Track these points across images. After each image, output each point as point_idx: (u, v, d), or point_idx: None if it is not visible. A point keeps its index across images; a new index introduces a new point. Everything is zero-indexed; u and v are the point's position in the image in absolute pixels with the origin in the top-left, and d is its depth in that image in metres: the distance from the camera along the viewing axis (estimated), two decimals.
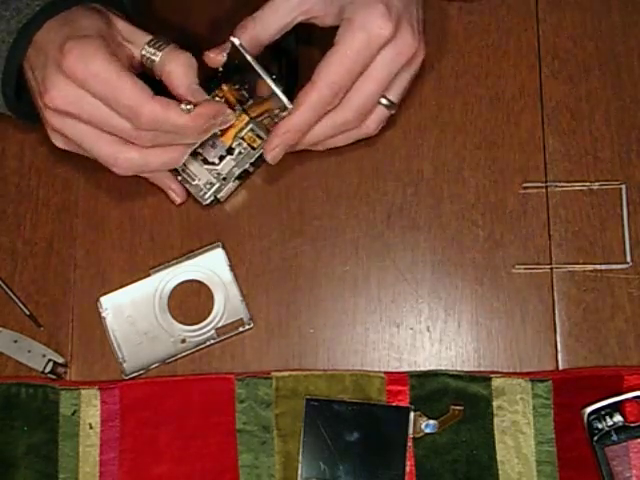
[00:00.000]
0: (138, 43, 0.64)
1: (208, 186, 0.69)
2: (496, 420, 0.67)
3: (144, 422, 0.68)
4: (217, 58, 0.67)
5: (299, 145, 0.67)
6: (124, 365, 0.69)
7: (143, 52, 0.64)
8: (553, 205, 0.71)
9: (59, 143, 0.65)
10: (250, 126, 0.69)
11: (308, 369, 0.69)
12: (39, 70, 0.62)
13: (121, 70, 0.61)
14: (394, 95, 0.67)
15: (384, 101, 0.66)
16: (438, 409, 0.67)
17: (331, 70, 0.63)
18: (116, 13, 0.65)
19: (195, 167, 0.69)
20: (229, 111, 0.65)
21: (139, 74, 0.63)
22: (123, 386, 0.69)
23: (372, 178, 0.72)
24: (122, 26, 0.64)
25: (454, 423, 0.67)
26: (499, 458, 0.67)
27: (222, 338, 0.70)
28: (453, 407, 0.67)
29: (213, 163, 0.69)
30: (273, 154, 0.67)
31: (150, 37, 0.64)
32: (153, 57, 0.63)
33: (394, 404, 0.68)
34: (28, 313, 0.70)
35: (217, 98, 0.68)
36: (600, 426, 0.66)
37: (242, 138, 0.69)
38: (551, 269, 0.70)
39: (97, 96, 0.61)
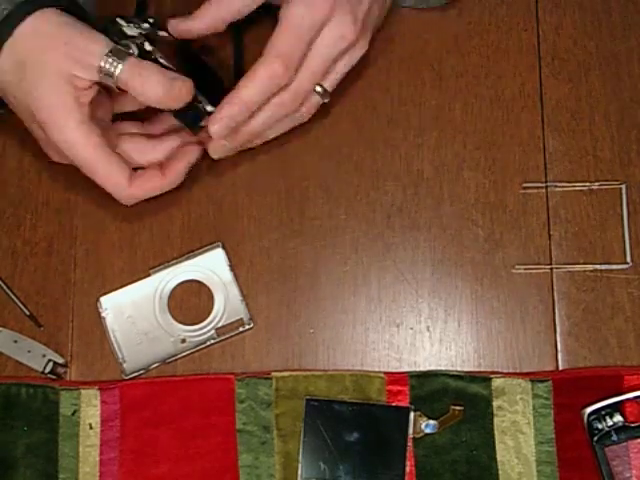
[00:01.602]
0: (96, 54, 0.63)
1: None
2: (496, 420, 0.67)
3: (144, 422, 0.68)
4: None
5: (240, 139, 0.67)
6: (124, 365, 0.69)
7: (102, 63, 0.63)
8: (553, 205, 0.71)
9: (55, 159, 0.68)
10: None
11: (308, 369, 0.69)
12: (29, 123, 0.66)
13: (99, 150, 0.64)
14: (329, 83, 0.67)
15: (318, 89, 0.67)
16: (438, 409, 0.67)
17: (278, 42, 0.64)
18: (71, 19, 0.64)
19: None
20: (196, 153, 0.68)
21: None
22: (123, 386, 0.69)
23: (372, 178, 0.72)
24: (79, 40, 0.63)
25: (454, 423, 0.67)
26: (499, 458, 0.67)
27: (222, 338, 0.70)
28: (453, 407, 0.67)
29: None
30: (217, 127, 0.65)
31: (109, 47, 0.63)
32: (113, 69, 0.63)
33: (394, 404, 0.68)
34: (28, 313, 0.70)
35: None
36: (600, 426, 0.66)
37: None
38: (551, 269, 0.70)
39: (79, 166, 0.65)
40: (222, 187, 0.72)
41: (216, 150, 0.68)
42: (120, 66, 0.62)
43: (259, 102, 0.65)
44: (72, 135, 0.63)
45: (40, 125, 0.64)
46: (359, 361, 0.69)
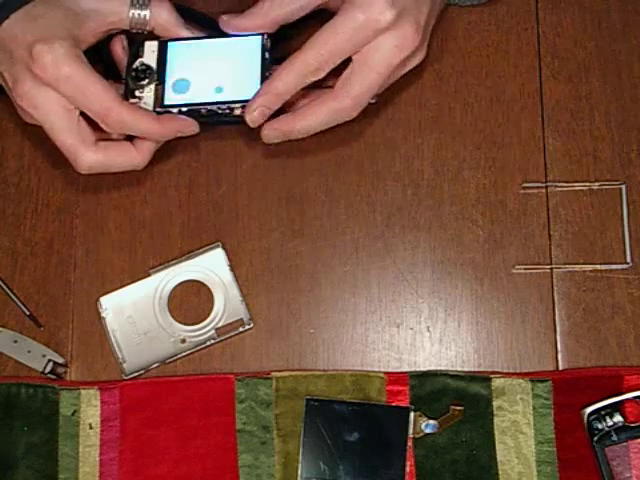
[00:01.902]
0: (119, 10, 0.67)
1: None
2: (496, 420, 0.67)
3: (144, 422, 0.68)
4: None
5: (295, 133, 0.67)
6: (124, 365, 0.69)
7: (131, 12, 0.66)
8: (553, 205, 0.71)
9: (28, 120, 0.67)
10: None
11: (308, 369, 0.69)
12: (5, 66, 0.64)
13: (90, 74, 0.64)
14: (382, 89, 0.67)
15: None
16: (438, 409, 0.67)
17: (322, 41, 0.64)
18: None
19: None
20: (195, 127, 0.67)
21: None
22: (123, 386, 0.69)
23: (372, 178, 0.72)
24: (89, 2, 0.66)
25: (454, 423, 0.67)
26: (499, 458, 0.67)
27: (222, 338, 0.70)
28: (453, 407, 0.67)
29: None
30: (252, 116, 0.66)
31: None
32: (142, 13, 0.67)
33: (394, 404, 0.68)
34: (28, 313, 0.70)
35: None
36: (600, 426, 0.66)
37: None
38: (551, 269, 0.70)
39: (66, 97, 0.64)
40: (222, 187, 0.72)
41: (267, 136, 0.68)
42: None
43: (290, 92, 0.65)
44: (69, 67, 0.63)
45: (34, 59, 0.63)
46: (359, 361, 0.69)
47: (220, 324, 0.70)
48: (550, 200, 0.71)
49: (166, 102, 0.67)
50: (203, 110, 0.67)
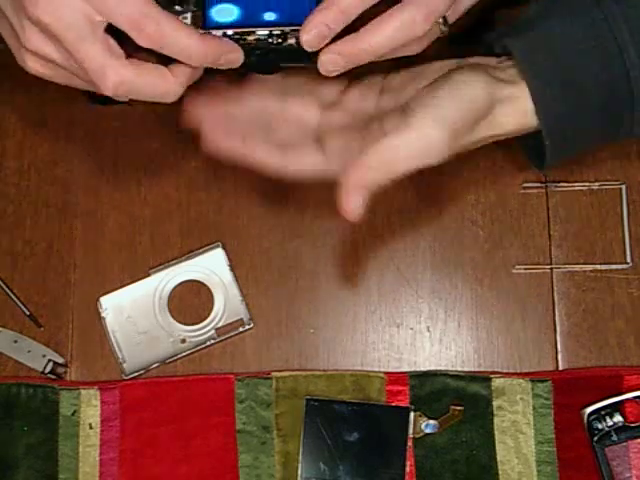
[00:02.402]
0: None
1: None
2: (496, 420, 0.67)
3: (144, 422, 0.68)
4: None
5: (361, 56, 0.57)
6: (124, 365, 0.69)
7: None
8: (553, 205, 0.71)
9: (35, 66, 0.58)
10: None
11: (308, 369, 0.69)
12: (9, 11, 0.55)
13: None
14: (452, 14, 0.59)
15: (441, 19, 0.58)
16: (438, 409, 0.67)
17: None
18: None
19: None
20: (240, 54, 0.57)
21: None
22: (123, 386, 0.69)
23: None
24: None
25: (454, 423, 0.67)
26: (499, 458, 0.67)
27: (222, 338, 0.70)
28: (453, 407, 0.67)
29: None
30: (309, 37, 0.55)
31: None
32: None
33: (394, 404, 0.68)
34: (28, 313, 0.70)
35: None
36: (600, 426, 0.66)
37: None
38: (551, 269, 0.70)
39: (94, 2, 0.53)
40: (222, 187, 0.72)
41: (326, 63, 0.57)
42: None
43: (359, 10, 0.55)
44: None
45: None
46: (359, 361, 0.69)
47: (220, 324, 0.70)
48: (550, 200, 0.71)
49: (207, 24, 0.57)
50: (251, 39, 0.57)
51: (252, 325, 0.70)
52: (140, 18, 0.53)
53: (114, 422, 0.68)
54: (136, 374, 0.69)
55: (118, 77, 0.55)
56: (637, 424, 0.66)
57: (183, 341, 0.70)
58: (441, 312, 0.70)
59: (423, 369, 0.69)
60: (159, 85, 0.56)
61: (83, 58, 0.55)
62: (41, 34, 0.55)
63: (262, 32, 0.57)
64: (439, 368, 0.69)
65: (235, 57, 0.57)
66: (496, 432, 0.67)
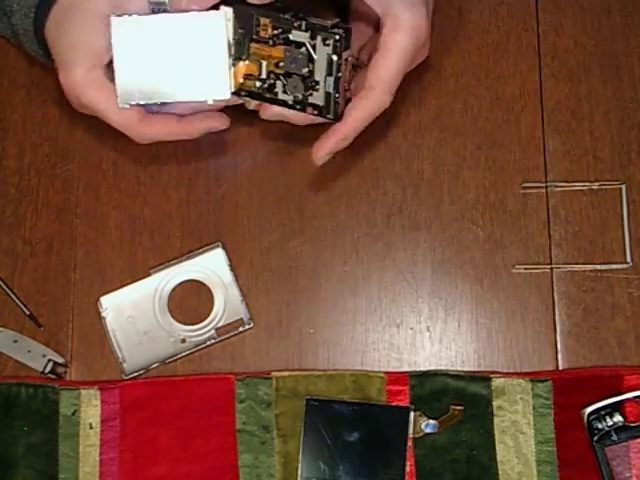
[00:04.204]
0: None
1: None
2: (496, 420, 0.67)
3: (144, 422, 0.68)
4: None
5: (344, 143, 0.66)
6: (124, 365, 0.69)
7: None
8: (553, 205, 0.71)
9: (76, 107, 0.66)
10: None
11: (308, 369, 0.69)
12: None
13: (108, 99, 0.63)
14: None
15: None
16: (438, 409, 0.67)
17: (387, 74, 0.63)
18: None
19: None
20: (224, 123, 0.66)
21: None
22: (123, 386, 0.69)
23: (372, 178, 0.72)
24: None
25: (454, 423, 0.67)
26: (499, 458, 0.67)
27: (222, 338, 0.70)
28: (453, 407, 0.67)
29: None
30: (320, 156, 0.65)
31: None
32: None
33: (394, 404, 0.68)
34: (28, 313, 0.70)
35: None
36: (600, 426, 0.66)
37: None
38: (551, 269, 0.70)
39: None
40: (222, 187, 0.72)
41: (321, 159, 0.66)
42: None
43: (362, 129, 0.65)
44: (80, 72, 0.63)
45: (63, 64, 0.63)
46: (359, 361, 0.69)
47: (220, 324, 0.70)
48: (550, 200, 0.71)
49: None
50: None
51: (252, 325, 0.70)
52: (126, 131, 0.65)
53: (114, 422, 0.68)
54: (136, 374, 0.69)
55: (140, 134, 0.65)
56: (637, 424, 0.66)
57: (183, 341, 0.70)
58: (441, 312, 0.70)
59: (423, 369, 0.69)
60: (168, 132, 0.66)
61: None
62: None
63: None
64: (439, 368, 0.69)
65: (222, 123, 0.67)
66: (496, 432, 0.67)
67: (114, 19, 0.62)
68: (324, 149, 0.65)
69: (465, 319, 0.70)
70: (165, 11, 0.63)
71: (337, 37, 0.62)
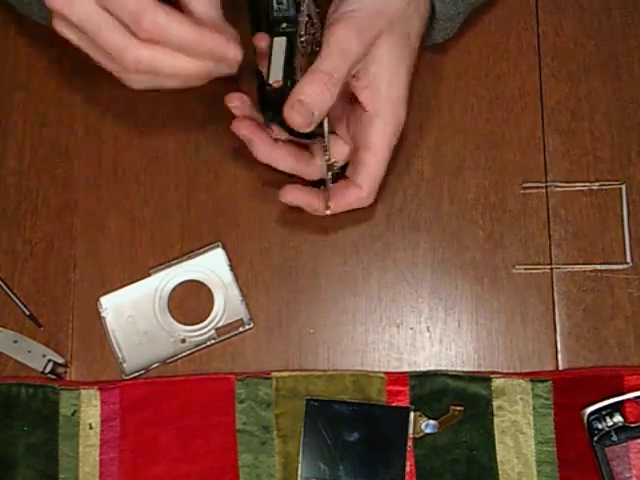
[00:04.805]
0: None
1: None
2: (496, 420, 0.67)
3: (144, 422, 0.68)
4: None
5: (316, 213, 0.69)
6: (124, 365, 0.69)
7: None
8: (553, 205, 0.71)
9: (62, 29, 0.61)
10: None
11: (308, 369, 0.69)
12: None
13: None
14: None
15: None
16: (438, 409, 0.67)
17: (374, 176, 0.66)
18: None
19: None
20: (236, 55, 0.61)
21: None
22: (123, 386, 0.69)
23: None
24: None
25: (454, 423, 0.67)
26: (499, 458, 0.67)
27: (222, 338, 0.70)
28: (453, 407, 0.67)
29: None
30: (284, 198, 0.68)
31: None
32: None
33: (394, 404, 0.68)
34: (28, 313, 0.70)
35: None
36: (600, 426, 0.66)
37: None
38: (551, 269, 0.70)
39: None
40: (222, 187, 0.72)
41: (286, 200, 0.69)
42: None
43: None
44: None
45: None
46: (359, 361, 0.69)
47: (220, 324, 0.70)
48: (550, 200, 0.71)
49: None
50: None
51: (252, 325, 0.70)
52: (139, 13, 0.57)
53: (114, 422, 0.68)
54: (136, 374, 0.69)
55: (135, 56, 0.59)
56: (637, 424, 0.66)
57: (183, 341, 0.70)
58: (441, 312, 0.70)
59: (423, 369, 0.69)
60: (177, 62, 0.60)
61: (103, 43, 0.59)
62: (63, 22, 0.60)
63: None
64: (439, 368, 0.69)
65: (234, 53, 0.60)
66: (496, 432, 0.67)
67: None
68: (292, 197, 0.68)
69: (465, 319, 0.70)
70: None
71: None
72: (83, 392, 0.69)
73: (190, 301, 0.70)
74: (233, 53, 0.60)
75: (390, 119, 0.66)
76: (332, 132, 0.68)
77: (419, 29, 0.67)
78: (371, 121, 0.65)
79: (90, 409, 0.69)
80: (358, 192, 0.67)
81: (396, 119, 0.66)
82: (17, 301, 0.70)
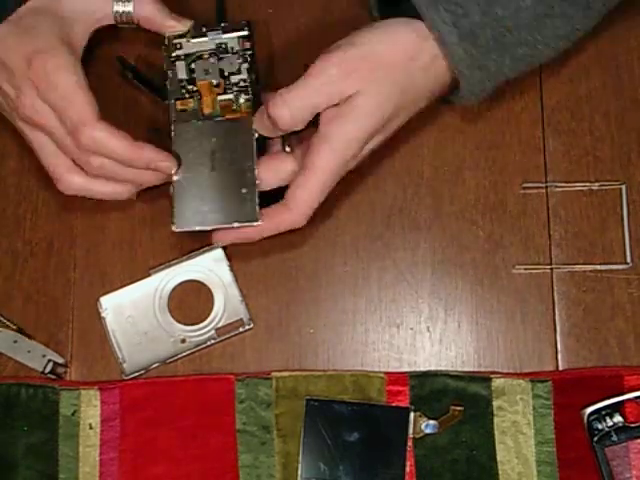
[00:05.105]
0: (103, 6, 0.67)
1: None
2: (496, 420, 0.67)
3: (144, 422, 0.68)
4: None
5: (247, 240, 0.68)
6: (124, 365, 0.69)
7: (115, 9, 0.67)
8: (553, 205, 0.71)
9: (28, 134, 0.67)
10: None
11: (308, 369, 0.69)
12: (3, 78, 0.64)
13: (78, 86, 0.63)
14: None
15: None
16: (438, 409, 0.67)
17: (307, 197, 0.65)
18: None
19: None
20: (170, 164, 0.66)
21: None
22: (123, 386, 0.69)
23: (372, 178, 0.72)
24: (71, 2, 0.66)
25: (454, 423, 0.67)
26: (499, 458, 0.67)
27: (222, 338, 0.70)
28: (453, 407, 0.67)
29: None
30: (220, 243, 0.69)
31: None
32: (125, 9, 0.68)
33: (394, 404, 0.68)
34: (15, 328, 0.70)
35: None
36: (600, 426, 0.66)
37: None
38: (551, 269, 0.70)
39: (53, 108, 0.63)
40: None
41: (218, 242, 0.70)
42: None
43: None
44: (61, 76, 0.63)
45: (32, 68, 0.63)
46: (359, 361, 0.69)
47: (220, 324, 0.70)
48: (550, 200, 0.71)
49: None
50: None
51: (252, 325, 0.70)
52: (79, 125, 0.63)
53: (114, 422, 0.68)
54: (136, 374, 0.69)
55: (69, 182, 0.66)
56: (637, 424, 0.66)
57: (183, 341, 0.70)
58: (441, 312, 0.70)
59: (423, 369, 0.69)
60: (107, 188, 0.67)
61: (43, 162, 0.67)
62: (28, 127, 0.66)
63: None
64: (439, 368, 0.69)
65: (165, 166, 0.66)
66: (496, 432, 0.67)
67: None
68: (226, 238, 0.68)
69: (465, 319, 0.70)
70: (129, 19, 0.68)
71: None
72: (83, 392, 0.69)
73: (190, 301, 0.70)
74: (166, 164, 0.66)
75: (339, 147, 0.63)
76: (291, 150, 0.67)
77: (424, 88, 0.65)
78: (319, 142, 0.63)
79: (90, 409, 0.69)
80: (288, 214, 0.65)
81: (345, 152, 0.64)
82: (4, 320, 0.70)
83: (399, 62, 0.63)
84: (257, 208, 0.66)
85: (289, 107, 0.62)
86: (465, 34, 0.61)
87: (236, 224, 0.66)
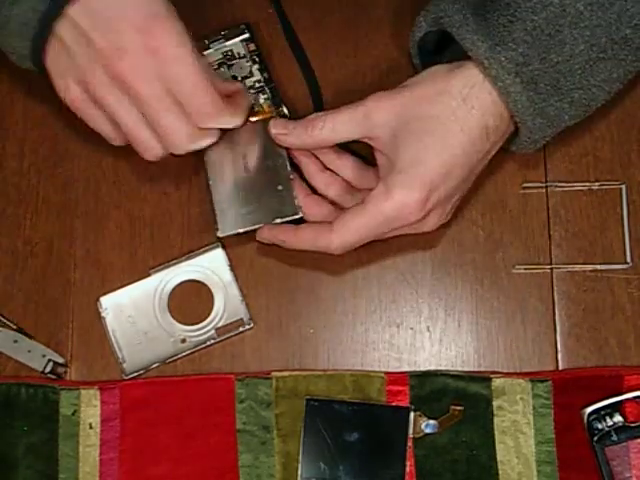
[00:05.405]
0: None
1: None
2: (496, 420, 0.67)
3: (144, 422, 0.68)
4: None
5: (284, 245, 0.69)
6: (124, 365, 0.69)
7: None
8: (553, 205, 0.71)
9: (76, 100, 0.61)
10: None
11: (308, 369, 0.69)
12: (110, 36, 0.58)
13: (200, 63, 0.60)
14: None
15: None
16: (438, 409, 0.67)
17: (350, 230, 0.64)
18: None
19: None
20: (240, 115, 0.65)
21: None
22: (123, 386, 0.69)
23: None
24: None
25: (454, 423, 0.67)
26: (499, 458, 0.67)
27: (222, 338, 0.70)
28: (453, 407, 0.67)
29: None
30: (261, 238, 0.69)
31: None
32: None
33: (394, 404, 0.68)
34: (15, 327, 0.70)
35: None
36: (600, 426, 0.66)
37: None
38: (551, 269, 0.70)
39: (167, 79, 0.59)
40: None
41: (262, 238, 0.70)
42: None
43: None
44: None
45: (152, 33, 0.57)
46: (359, 361, 0.69)
47: (220, 324, 0.70)
48: (550, 200, 0.71)
49: None
50: None
51: (252, 325, 0.70)
52: (202, 109, 0.61)
53: (114, 422, 0.68)
54: (136, 374, 0.69)
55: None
56: (637, 424, 0.66)
57: (183, 341, 0.70)
58: (441, 312, 0.70)
59: (423, 369, 0.69)
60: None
61: (163, 127, 0.61)
62: (110, 86, 0.59)
63: None
64: (439, 368, 0.69)
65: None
66: (496, 432, 0.67)
67: None
68: (269, 236, 0.68)
69: (465, 319, 0.70)
70: None
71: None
72: (83, 392, 0.69)
73: (190, 301, 0.70)
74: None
75: (395, 197, 0.63)
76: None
77: (475, 137, 0.62)
78: (394, 187, 0.63)
79: (90, 409, 0.69)
80: (329, 233, 0.65)
81: (401, 202, 0.63)
82: (4, 320, 0.70)
83: (443, 109, 0.62)
84: (295, 202, 0.67)
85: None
86: (527, 82, 0.61)
87: (278, 220, 0.67)
